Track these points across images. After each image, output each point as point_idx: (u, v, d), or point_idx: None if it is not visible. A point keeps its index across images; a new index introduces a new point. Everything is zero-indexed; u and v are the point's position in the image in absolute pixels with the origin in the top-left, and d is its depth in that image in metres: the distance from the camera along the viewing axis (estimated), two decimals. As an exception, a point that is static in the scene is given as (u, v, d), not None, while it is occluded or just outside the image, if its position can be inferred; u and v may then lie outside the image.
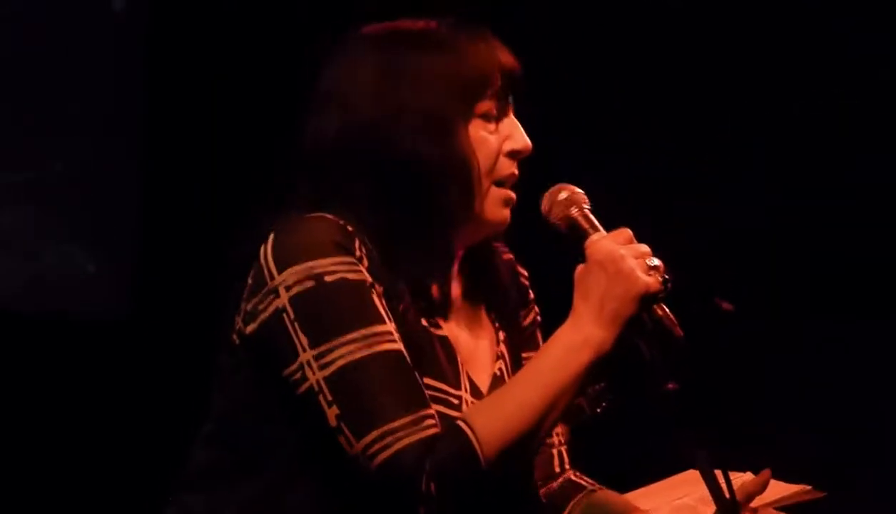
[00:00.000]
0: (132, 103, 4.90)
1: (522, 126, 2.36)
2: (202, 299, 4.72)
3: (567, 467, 2.58)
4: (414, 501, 2.12)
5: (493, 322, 2.44)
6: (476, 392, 2.34)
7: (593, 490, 2.54)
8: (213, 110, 4.87)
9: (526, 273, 2.55)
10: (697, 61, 4.67)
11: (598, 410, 3.14)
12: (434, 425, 2.15)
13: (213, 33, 4.89)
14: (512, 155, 2.34)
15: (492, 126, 2.33)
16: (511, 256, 2.50)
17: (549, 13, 4.53)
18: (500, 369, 2.41)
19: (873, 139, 4.59)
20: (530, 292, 2.55)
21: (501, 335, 2.44)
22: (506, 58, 2.34)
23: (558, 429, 2.53)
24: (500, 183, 2.33)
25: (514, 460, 2.19)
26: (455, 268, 2.39)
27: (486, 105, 2.31)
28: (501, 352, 2.43)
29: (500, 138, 2.33)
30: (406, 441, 2.12)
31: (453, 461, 2.13)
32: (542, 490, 2.55)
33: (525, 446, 2.18)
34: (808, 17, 4.60)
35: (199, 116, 4.88)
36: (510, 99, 2.35)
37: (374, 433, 2.13)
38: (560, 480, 2.56)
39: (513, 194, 2.35)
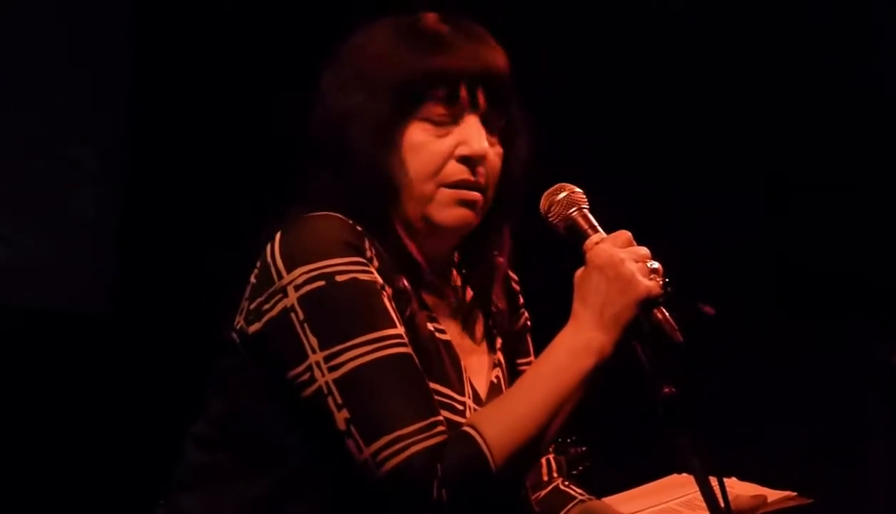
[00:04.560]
0: (119, 93, 4.85)
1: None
2: (184, 295, 4.74)
3: (555, 474, 2.57)
4: (424, 508, 2.08)
5: (490, 329, 2.43)
6: (477, 399, 2.32)
7: (582, 500, 2.53)
8: (199, 107, 4.84)
9: (516, 278, 2.53)
10: (690, 62, 4.67)
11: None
12: (443, 432, 2.12)
13: (200, 30, 4.86)
14: (462, 160, 2.29)
15: (441, 129, 2.28)
16: (503, 260, 2.46)
17: (547, 13, 4.50)
18: (496, 377, 2.40)
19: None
20: (520, 296, 2.53)
21: (498, 343, 2.43)
22: (475, 60, 2.29)
23: None
24: (451, 186, 2.29)
25: (523, 465, 2.18)
26: (453, 275, 2.39)
27: (433, 107, 2.28)
28: (499, 360, 2.42)
29: (452, 142, 2.28)
30: (417, 448, 2.09)
31: (465, 467, 2.10)
32: (532, 498, 2.53)
33: (533, 451, 2.16)
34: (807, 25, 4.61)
35: (185, 112, 4.84)
36: (472, 102, 2.30)
37: (385, 439, 2.09)
38: (549, 488, 2.55)
39: (470, 194, 2.30)
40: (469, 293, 2.41)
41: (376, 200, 2.25)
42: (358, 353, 2.12)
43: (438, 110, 2.28)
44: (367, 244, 2.19)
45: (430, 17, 2.33)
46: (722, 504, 2.21)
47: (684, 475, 2.74)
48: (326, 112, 2.29)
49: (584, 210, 2.29)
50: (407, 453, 2.09)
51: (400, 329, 2.16)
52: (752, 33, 4.63)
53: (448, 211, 2.29)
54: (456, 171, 2.29)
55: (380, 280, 2.18)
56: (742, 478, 2.80)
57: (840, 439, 4.56)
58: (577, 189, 2.31)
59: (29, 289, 4.75)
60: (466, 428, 2.13)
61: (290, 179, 2.33)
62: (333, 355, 2.12)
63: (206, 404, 2.29)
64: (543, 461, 2.55)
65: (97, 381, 4.74)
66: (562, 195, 2.30)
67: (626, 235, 2.23)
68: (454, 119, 2.29)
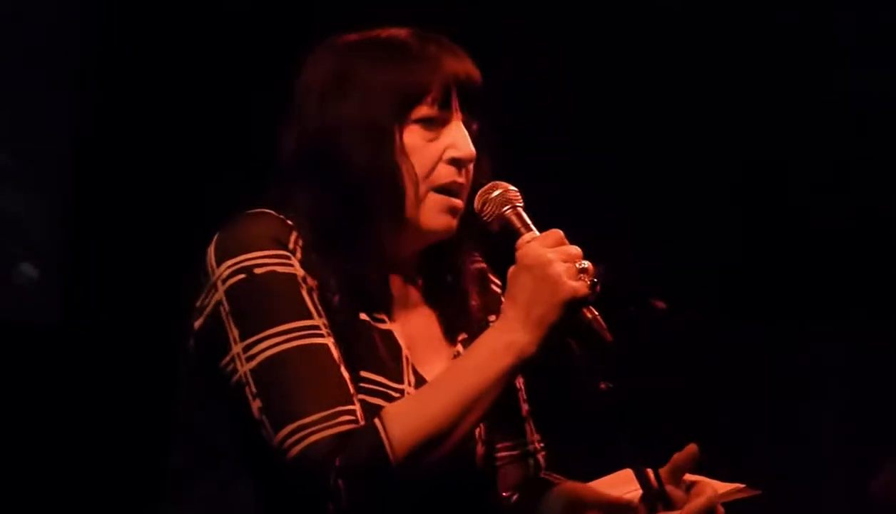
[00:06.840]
0: (64, 99, 4.85)
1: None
2: (133, 303, 4.74)
3: (542, 473, 2.58)
4: (322, 496, 2.14)
5: (453, 324, 2.45)
6: (421, 386, 2.33)
7: (556, 484, 2.54)
8: (148, 112, 4.84)
9: (498, 281, 2.54)
10: (665, 71, 4.70)
11: None
12: (350, 422, 2.17)
13: (154, 44, 4.86)
14: (453, 162, 2.33)
15: (432, 133, 2.33)
16: (483, 264, 2.51)
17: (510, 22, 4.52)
18: None
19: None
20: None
21: (461, 336, 2.45)
22: (457, 67, 2.34)
23: (537, 436, 2.56)
24: (440, 190, 2.33)
25: (427, 460, 2.19)
26: (415, 269, 2.41)
27: (426, 110, 2.32)
28: (458, 352, 2.42)
29: (442, 145, 2.33)
30: (317, 436, 2.15)
31: (362, 459, 2.15)
32: (514, 497, 2.55)
33: (438, 446, 2.19)
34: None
35: (132, 117, 4.85)
36: (457, 107, 2.35)
37: (290, 427, 2.16)
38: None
39: (457, 202, 2.35)
40: (431, 290, 2.43)
41: (371, 204, 2.29)
42: (270, 343, 2.19)
43: (429, 114, 2.32)
44: (293, 237, 2.25)
45: (404, 31, 2.37)
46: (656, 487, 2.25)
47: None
48: (311, 124, 2.32)
49: (518, 208, 2.31)
50: (306, 441, 2.15)
51: (317, 320, 2.22)
52: (725, 46, 4.67)
53: (438, 217, 2.34)
54: (446, 173, 2.33)
55: (300, 272, 2.23)
56: (692, 471, 2.81)
57: (790, 430, 4.58)
58: (512, 187, 2.33)
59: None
60: (375, 420, 2.17)
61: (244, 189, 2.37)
62: (250, 346, 2.20)
63: (178, 411, 2.36)
64: (531, 461, 2.55)
65: (42, 391, 4.74)
66: (496, 193, 2.32)
67: (557, 233, 2.24)
68: (442, 123, 2.33)
